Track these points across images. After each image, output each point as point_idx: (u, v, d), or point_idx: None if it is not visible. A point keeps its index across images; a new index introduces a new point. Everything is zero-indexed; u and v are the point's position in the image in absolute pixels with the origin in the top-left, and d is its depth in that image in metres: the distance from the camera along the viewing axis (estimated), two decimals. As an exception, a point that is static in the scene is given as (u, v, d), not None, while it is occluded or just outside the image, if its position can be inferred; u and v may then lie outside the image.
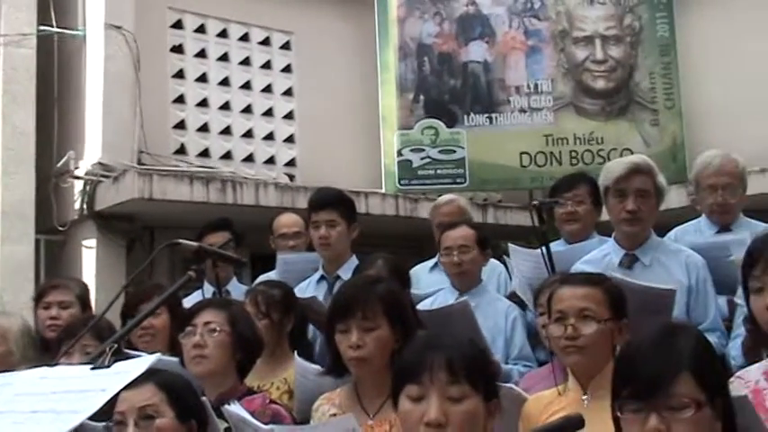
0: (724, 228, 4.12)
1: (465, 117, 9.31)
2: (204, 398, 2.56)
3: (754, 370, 2.42)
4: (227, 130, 8.75)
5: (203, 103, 8.67)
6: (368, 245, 4.39)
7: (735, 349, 3.25)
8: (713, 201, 4.11)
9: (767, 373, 2.39)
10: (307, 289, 4.24)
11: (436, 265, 4.57)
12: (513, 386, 2.90)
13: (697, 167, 4.29)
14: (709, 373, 1.84)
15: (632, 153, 6.93)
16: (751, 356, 2.75)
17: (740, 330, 3.19)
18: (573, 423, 1.61)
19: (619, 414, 1.85)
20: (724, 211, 4.10)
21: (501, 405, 2.11)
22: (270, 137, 8.99)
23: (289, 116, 9.10)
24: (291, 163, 9.03)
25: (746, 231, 3.69)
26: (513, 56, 9.48)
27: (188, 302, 3.81)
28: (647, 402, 1.80)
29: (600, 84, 9.41)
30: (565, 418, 1.68)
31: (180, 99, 8.52)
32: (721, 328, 3.32)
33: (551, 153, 9.24)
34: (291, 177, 8.92)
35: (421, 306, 3.67)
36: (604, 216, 4.08)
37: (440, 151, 9.17)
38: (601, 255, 3.73)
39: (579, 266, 3.57)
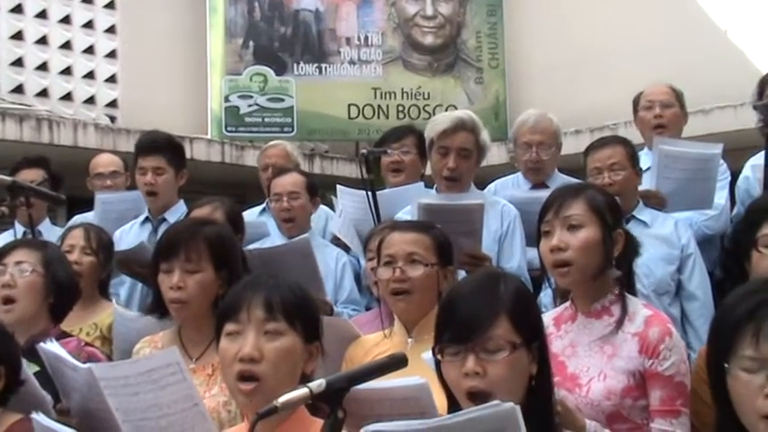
0: (540, 184, 4.31)
1: (295, 66, 9.23)
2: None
3: (546, 317, 2.56)
4: (43, 66, 8.30)
5: (18, 36, 8.17)
6: (192, 191, 4.31)
7: (546, 297, 3.43)
8: (528, 157, 4.30)
9: (555, 319, 2.55)
10: (130, 231, 4.12)
11: (264, 210, 4.54)
12: (348, 321, 2.94)
13: (515, 125, 4.48)
14: (526, 317, 1.92)
15: (457, 109, 7.10)
16: (560, 304, 2.90)
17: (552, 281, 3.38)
18: (396, 361, 1.65)
19: (439, 358, 1.90)
20: (537, 167, 4.29)
21: (323, 348, 2.12)
22: (90, 75, 8.60)
23: (111, 55, 8.73)
24: (113, 104, 8.68)
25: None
26: (344, 7, 9.46)
27: (-3, 243, 3.61)
28: (465, 345, 1.86)
29: (428, 40, 9.55)
30: (390, 356, 1.72)
31: (-8, 31, 8.00)
32: (525, 275, 3.46)
33: (379, 106, 9.32)
34: (113, 119, 8.59)
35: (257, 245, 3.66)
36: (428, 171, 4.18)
37: (268, 99, 9.07)
38: (430, 195, 3.81)
39: (402, 215, 3.63)
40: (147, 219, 4.19)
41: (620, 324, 2.39)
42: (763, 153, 3.62)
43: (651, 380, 2.34)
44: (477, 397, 1.84)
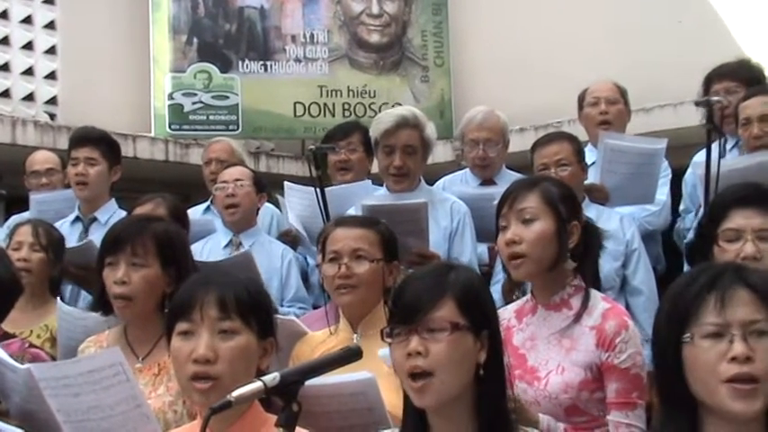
0: (488, 180, 4.35)
1: (240, 63, 9.13)
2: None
3: (509, 309, 2.60)
4: (-21, 63, 8.10)
5: (-47, 31, 7.97)
6: (135, 190, 4.24)
7: (495, 292, 3.45)
8: (475, 154, 4.33)
9: (517, 312, 2.57)
10: (60, 230, 4.02)
11: (209, 208, 4.49)
12: (294, 318, 2.93)
13: (462, 122, 4.51)
14: (474, 303, 1.93)
15: (403, 107, 7.10)
16: (509, 298, 2.93)
17: (501, 276, 3.40)
18: (351, 354, 1.66)
19: (389, 341, 1.91)
20: (484, 164, 4.32)
21: (277, 343, 2.11)
22: (29, 72, 8.38)
23: (51, 51, 8.53)
24: (53, 101, 8.48)
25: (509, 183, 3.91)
26: (289, 4, 9.39)
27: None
28: (410, 326, 1.88)
29: (374, 38, 9.54)
30: (344, 348, 1.72)
31: (-74, 25, 7.78)
32: (476, 270, 3.48)
33: (325, 104, 9.28)
34: (52, 116, 8.40)
35: (196, 251, 3.59)
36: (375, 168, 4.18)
37: (213, 96, 8.96)
38: (375, 195, 3.81)
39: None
40: (77, 218, 4.10)
41: (578, 317, 2.41)
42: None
43: (608, 372, 2.36)
44: (419, 377, 1.85)
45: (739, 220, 2.38)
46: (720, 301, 1.68)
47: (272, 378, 1.63)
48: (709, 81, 4.23)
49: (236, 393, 1.63)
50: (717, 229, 2.41)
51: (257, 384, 1.64)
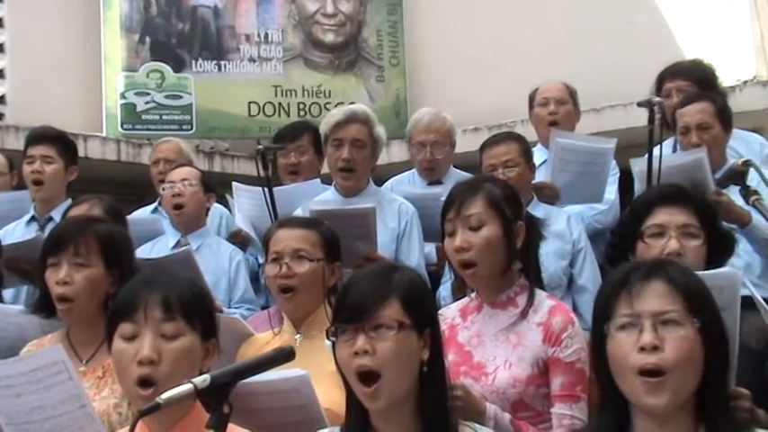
0: (435, 180, 4.37)
1: (193, 62, 9.07)
2: None
3: (453, 308, 2.63)
4: (-76, 61, 7.96)
5: None
6: (88, 190, 4.18)
7: (445, 290, 3.48)
8: (422, 157, 4.35)
9: (462, 310, 2.60)
10: (14, 231, 3.98)
11: (156, 209, 4.45)
12: (238, 318, 2.92)
13: (409, 124, 4.53)
14: (418, 303, 1.96)
15: (357, 107, 7.10)
16: (458, 297, 2.95)
17: (450, 275, 3.42)
18: (283, 354, 1.66)
19: (333, 340, 1.93)
20: (431, 167, 4.35)
21: (219, 345, 2.11)
22: (-24, 70, 8.28)
23: (-1, 49, 8.42)
24: (1, 100, 8.35)
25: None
26: (243, 4, 9.35)
27: None
28: (356, 325, 1.90)
29: (329, 37, 9.53)
30: (276, 349, 1.72)
31: None
32: (424, 273, 3.50)
33: (280, 104, 9.25)
34: (1, 116, 8.27)
35: (141, 254, 3.56)
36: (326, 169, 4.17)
37: (166, 96, 8.88)
38: (323, 200, 3.81)
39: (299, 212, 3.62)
40: (33, 218, 4.05)
41: (524, 314, 2.45)
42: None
43: (553, 366, 2.41)
44: (366, 376, 1.86)
45: (663, 216, 2.44)
46: (632, 294, 1.74)
47: (203, 380, 1.63)
48: (661, 80, 4.30)
49: (165, 396, 1.62)
50: (641, 226, 2.45)
51: (187, 386, 1.63)
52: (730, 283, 1.98)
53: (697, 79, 4.21)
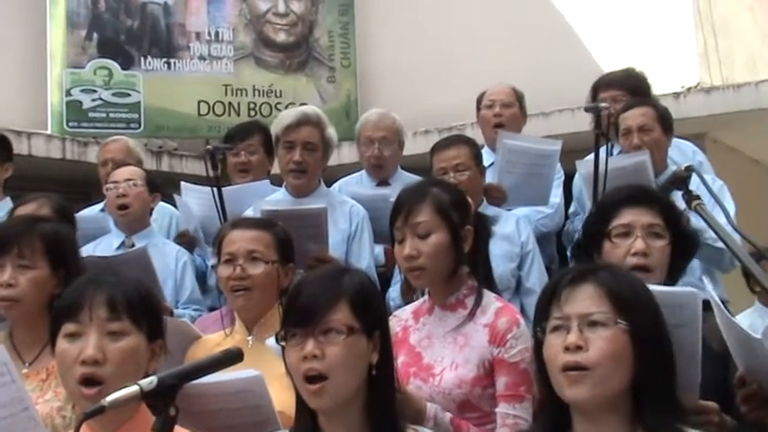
0: (383, 181, 4.39)
1: (142, 60, 8.96)
2: None
3: (407, 309, 2.65)
4: None
5: None
6: (32, 189, 4.10)
7: (395, 292, 3.50)
8: (370, 153, 4.37)
9: (414, 312, 2.63)
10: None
11: (104, 210, 4.39)
12: (186, 321, 2.90)
13: (359, 123, 4.56)
14: (368, 306, 1.97)
15: (308, 107, 7.09)
16: (408, 298, 2.97)
17: (400, 276, 3.43)
18: (231, 356, 1.65)
19: (283, 344, 1.93)
20: (378, 164, 4.37)
21: (166, 346, 2.09)
22: None
23: (-61, 44, 8.23)
24: (-58, 96, 8.19)
25: (404, 184, 3.95)
26: (194, 1, 9.26)
27: None
28: (305, 329, 1.90)
29: (281, 37, 9.49)
30: (224, 351, 1.71)
31: None
32: (374, 275, 3.51)
33: (230, 103, 9.19)
34: (-57, 112, 8.09)
35: (86, 252, 3.52)
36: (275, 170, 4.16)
37: (113, 94, 8.76)
38: (274, 200, 3.81)
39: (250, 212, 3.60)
40: (-34, 217, 3.96)
41: (471, 315, 2.49)
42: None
43: (498, 366, 2.45)
44: (314, 379, 1.86)
45: (630, 216, 2.47)
46: (562, 297, 1.81)
47: (149, 382, 1.61)
48: (596, 89, 4.38)
49: (110, 398, 1.60)
50: (607, 226, 2.49)
51: (133, 388, 1.61)
52: (691, 301, 2.03)
53: (631, 89, 4.30)
